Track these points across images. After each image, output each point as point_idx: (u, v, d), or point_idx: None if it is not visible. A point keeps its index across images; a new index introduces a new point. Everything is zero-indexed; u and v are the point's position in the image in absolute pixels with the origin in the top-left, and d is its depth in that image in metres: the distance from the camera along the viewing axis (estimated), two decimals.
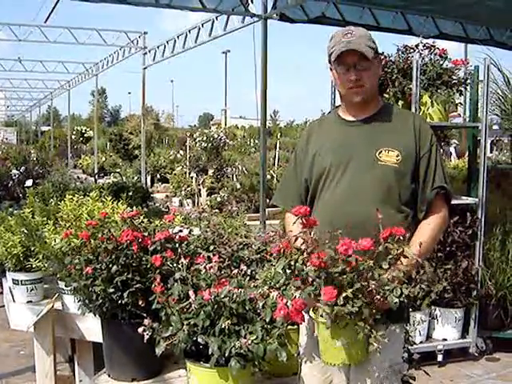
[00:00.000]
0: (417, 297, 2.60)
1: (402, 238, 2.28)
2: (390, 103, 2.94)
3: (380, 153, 2.58)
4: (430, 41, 5.36)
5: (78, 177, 12.72)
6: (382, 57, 5.11)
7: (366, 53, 2.55)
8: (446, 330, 5.41)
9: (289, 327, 2.50)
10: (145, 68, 14.71)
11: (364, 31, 2.65)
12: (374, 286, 2.22)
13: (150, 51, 14.55)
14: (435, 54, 5.14)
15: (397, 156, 2.56)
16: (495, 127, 9.25)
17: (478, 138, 5.58)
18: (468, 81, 5.30)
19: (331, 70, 2.71)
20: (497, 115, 6.34)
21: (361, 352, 2.36)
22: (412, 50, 5.19)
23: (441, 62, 5.12)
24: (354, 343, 2.31)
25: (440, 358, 5.37)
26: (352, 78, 2.58)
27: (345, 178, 2.62)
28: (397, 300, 2.21)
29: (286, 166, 3.15)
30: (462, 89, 5.24)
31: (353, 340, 2.30)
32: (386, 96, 4.98)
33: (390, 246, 2.27)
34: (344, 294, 2.20)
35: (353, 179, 2.60)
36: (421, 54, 5.10)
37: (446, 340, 5.43)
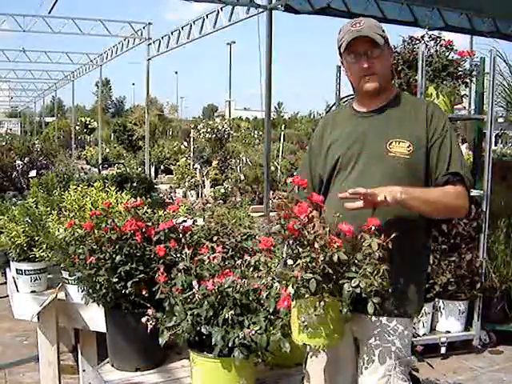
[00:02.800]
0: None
1: (376, 230, 2.22)
2: (404, 92, 2.86)
3: (390, 144, 2.53)
4: (436, 32, 5.33)
5: (82, 168, 12.75)
6: None
7: (377, 39, 2.50)
8: (450, 322, 5.41)
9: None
10: (149, 59, 14.69)
11: (373, 21, 2.61)
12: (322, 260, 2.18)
13: (154, 42, 14.54)
14: (441, 46, 5.11)
15: (408, 147, 2.51)
16: (500, 120, 9.22)
17: (484, 131, 5.56)
18: (474, 73, 5.26)
19: (342, 63, 2.69)
20: (502, 107, 6.31)
21: (325, 337, 2.26)
22: (418, 41, 5.16)
23: (446, 54, 5.09)
24: (318, 324, 2.24)
25: (443, 350, 5.36)
26: (364, 65, 2.54)
27: (355, 170, 2.59)
28: (349, 289, 2.15)
29: (303, 156, 3.14)
30: (468, 81, 5.20)
31: (313, 319, 2.22)
32: (399, 90, 4.95)
33: (364, 236, 2.23)
34: (298, 261, 2.17)
35: (363, 171, 2.57)
36: (427, 45, 5.07)
37: (449, 332, 5.42)
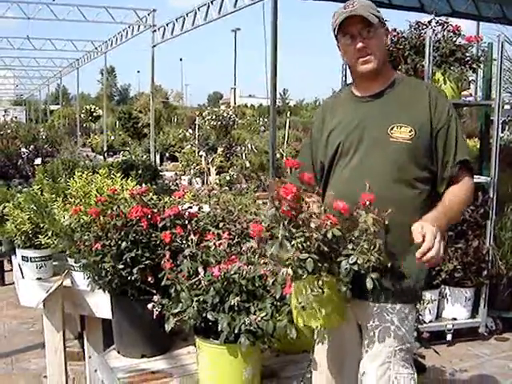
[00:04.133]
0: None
1: (369, 205, 2.21)
2: (403, 75, 2.81)
3: (392, 129, 2.49)
4: (443, 18, 5.28)
5: (87, 155, 12.73)
6: (395, 33, 5.05)
7: (370, 18, 2.45)
8: (456, 309, 5.40)
9: None
10: (154, 46, 14.62)
11: (367, 2, 2.55)
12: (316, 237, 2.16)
13: (159, 29, 14.46)
14: (448, 31, 5.06)
15: (410, 132, 2.47)
16: (507, 106, 9.17)
17: (491, 118, 5.52)
18: (481, 58, 5.22)
19: (338, 46, 2.66)
20: (510, 93, 6.27)
21: (325, 317, 2.24)
22: (425, 27, 5.11)
23: (454, 39, 5.04)
24: (318, 304, 2.22)
25: (449, 337, 5.36)
26: (358, 46, 2.49)
27: (356, 156, 2.56)
28: (347, 266, 2.14)
29: (302, 144, 3.12)
30: (475, 66, 5.16)
31: (312, 300, 2.21)
32: (398, 73, 4.91)
33: (359, 212, 2.21)
34: (293, 242, 2.15)
35: (364, 157, 2.53)
36: (434, 30, 5.02)
37: (455, 319, 5.41)
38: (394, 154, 2.47)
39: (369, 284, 2.16)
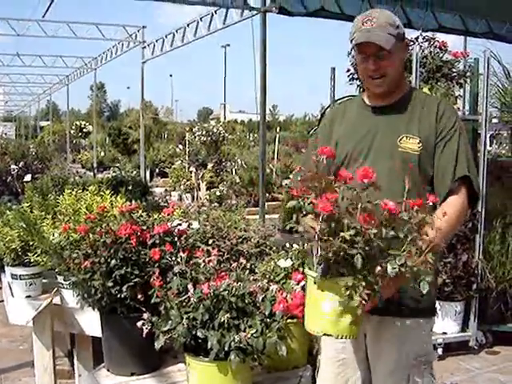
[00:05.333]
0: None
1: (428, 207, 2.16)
2: (416, 88, 2.78)
3: (401, 140, 2.50)
4: (430, 34, 5.34)
5: (77, 171, 12.70)
6: None
7: (385, 44, 2.44)
8: (446, 323, 5.41)
9: (288, 321, 2.49)
10: (144, 62, 14.66)
11: (386, 17, 2.51)
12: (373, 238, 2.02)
13: (148, 45, 14.51)
14: (435, 47, 5.12)
15: (418, 143, 2.48)
16: (495, 120, 9.23)
17: (478, 132, 5.57)
18: (468, 73, 5.28)
19: (353, 55, 2.67)
20: (497, 108, 6.32)
21: (348, 326, 2.12)
22: (412, 43, 5.16)
23: (440, 55, 5.10)
24: (343, 311, 2.09)
25: (440, 351, 5.36)
26: (370, 67, 2.50)
27: (365, 164, 2.51)
28: (394, 269, 2.01)
29: (304, 151, 3.14)
30: (462, 82, 5.22)
31: (341, 306, 2.08)
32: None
33: (414, 214, 2.11)
34: (342, 234, 2.01)
35: (372, 166, 2.45)
36: (421, 46, 5.08)
37: (445, 333, 5.43)
38: (403, 164, 2.44)
39: (424, 288, 2.06)
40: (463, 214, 2.55)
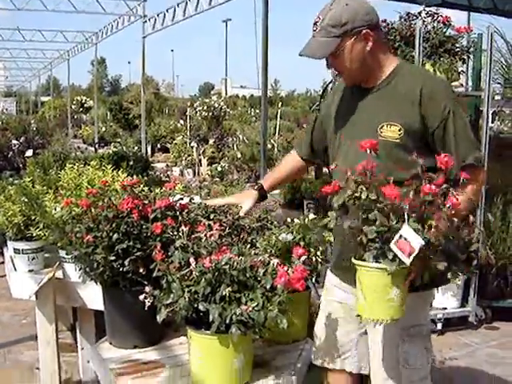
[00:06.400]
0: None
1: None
2: (406, 65, 2.71)
3: (382, 127, 2.47)
4: (434, 8, 5.30)
5: (79, 147, 12.71)
6: (385, 24, 5.06)
7: (321, 54, 2.47)
8: (446, 298, 5.45)
9: (289, 294, 2.51)
10: (144, 37, 14.58)
11: (330, 17, 2.43)
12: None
13: (149, 20, 14.42)
14: (438, 22, 5.08)
15: (399, 130, 2.43)
16: (497, 97, 9.18)
17: (481, 108, 5.55)
18: (471, 49, 5.25)
19: None
20: (500, 84, 6.29)
21: (404, 306, 2.24)
22: (415, 18, 5.13)
23: (444, 30, 5.06)
24: (403, 294, 2.21)
25: (439, 326, 5.41)
26: (329, 70, 2.62)
27: (351, 150, 2.56)
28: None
29: (310, 120, 3.27)
30: (465, 57, 5.18)
31: (405, 290, 2.21)
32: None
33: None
34: (431, 222, 2.10)
35: (358, 154, 2.43)
36: (424, 21, 5.04)
37: (445, 309, 5.46)
38: (384, 153, 2.41)
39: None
40: (479, 190, 2.61)
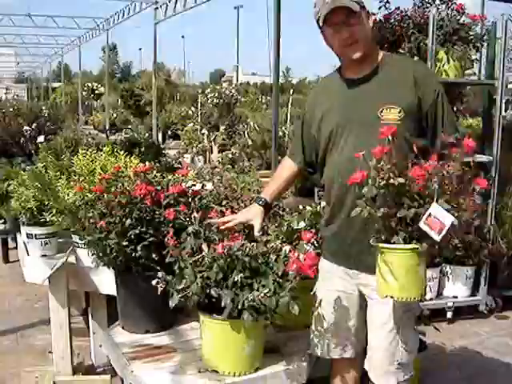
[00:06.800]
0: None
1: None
2: (390, 54, 2.85)
3: (382, 111, 2.55)
4: None
5: (90, 133, 12.69)
6: (398, 11, 5.05)
7: (352, 6, 2.51)
8: (457, 287, 5.44)
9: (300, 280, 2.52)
10: (156, 23, 14.53)
11: None
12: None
13: (161, 6, 14.36)
14: (452, 9, 5.04)
15: (399, 112, 2.53)
16: (510, 86, 9.11)
17: (494, 97, 5.51)
18: (485, 37, 5.20)
19: (322, 33, 2.69)
20: None
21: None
22: (429, 5, 5.10)
23: (458, 18, 5.02)
24: (426, 271, 2.37)
25: (449, 314, 5.40)
26: (345, 35, 2.56)
27: (350, 139, 2.62)
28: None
29: (295, 126, 3.26)
30: (479, 45, 5.14)
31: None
32: (402, 51, 4.90)
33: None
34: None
35: (357, 140, 2.58)
36: (438, 8, 5.00)
37: (456, 297, 5.45)
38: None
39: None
40: None
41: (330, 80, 2.89)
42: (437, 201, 2.18)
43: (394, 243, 2.26)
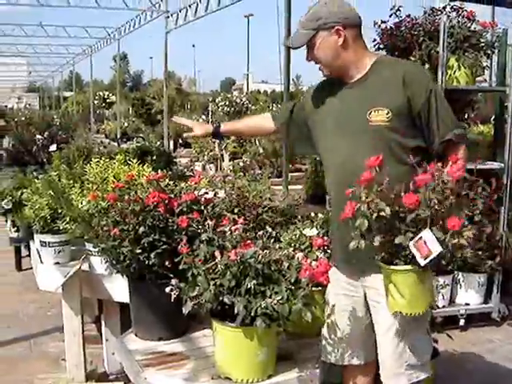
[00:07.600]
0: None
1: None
2: (384, 57, 2.89)
3: (370, 114, 2.56)
4: (458, 3, 5.27)
5: (101, 141, 12.78)
6: (409, 19, 5.07)
7: (298, 43, 2.69)
8: (469, 294, 5.42)
9: (313, 288, 2.53)
10: (167, 32, 14.62)
11: (310, 14, 2.67)
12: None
13: (172, 15, 14.45)
14: (463, 17, 5.05)
15: (387, 114, 2.53)
16: None
17: (505, 104, 5.51)
18: (496, 44, 5.20)
19: None
20: None
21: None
22: (439, 12, 5.10)
23: (468, 25, 5.03)
24: (432, 281, 2.43)
25: (462, 322, 5.38)
26: (308, 57, 2.73)
27: (343, 142, 2.65)
28: None
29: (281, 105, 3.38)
30: (490, 52, 5.14)
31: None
32: (413, 59, 4.91)
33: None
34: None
35: (350, 143, 2.61)
36: (448, 16, 5.01)
37: (468, 305, 5.43)
38: (376, 137, 2.55)
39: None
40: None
41: (328, 81, 2.89)
42: (430, 227, 2.17)
43: (395, 264, 2.28)
